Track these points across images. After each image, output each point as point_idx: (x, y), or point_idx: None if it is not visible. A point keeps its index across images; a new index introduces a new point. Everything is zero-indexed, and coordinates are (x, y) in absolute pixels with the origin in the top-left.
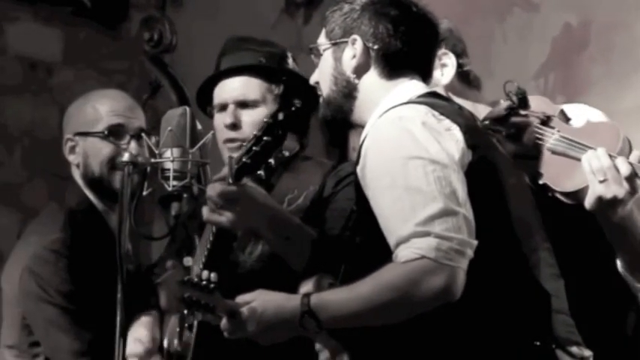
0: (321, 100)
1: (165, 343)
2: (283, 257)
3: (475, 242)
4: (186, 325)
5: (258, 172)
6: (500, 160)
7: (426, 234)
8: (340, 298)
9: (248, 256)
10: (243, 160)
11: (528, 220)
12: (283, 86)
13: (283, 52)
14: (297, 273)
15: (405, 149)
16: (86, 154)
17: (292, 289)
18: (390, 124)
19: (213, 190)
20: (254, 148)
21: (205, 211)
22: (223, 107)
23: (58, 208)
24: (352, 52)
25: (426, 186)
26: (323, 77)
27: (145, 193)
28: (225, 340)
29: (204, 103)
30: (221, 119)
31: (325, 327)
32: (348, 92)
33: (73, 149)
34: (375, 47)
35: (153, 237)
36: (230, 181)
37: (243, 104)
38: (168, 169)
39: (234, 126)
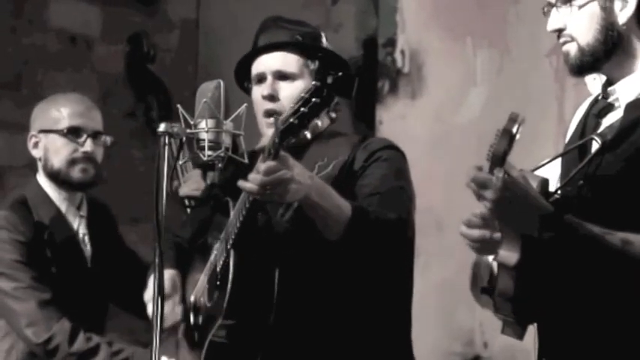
0: (568, 46)
1: (192, 300)
2: (319, 226)
3: None
4: (217, 283)
5: (305, 133)
6: None
7: None
8: (593, 227)
9: (280, 217)
10: (290, 120)
11: None
12: (319, 62)
13: (317, 31)
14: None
15: None
16: (47, 149)
17: (326, 253)
18: None
19: (257, 171)
20: (302, 109)
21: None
22: (261, 79)
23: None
24: (622, 3)
25: None
26: (584, 25)
27: (180, 163)
28: (258, 306)
29: (242, 79)
30: (259, 91)
31: (560, 239)
32: (612, 44)
33: (36, 145)
34: None
35: (187, 205)
36: (276, 140)
37: (281, 76)
38: (203, 140)
39: (272, 97)
